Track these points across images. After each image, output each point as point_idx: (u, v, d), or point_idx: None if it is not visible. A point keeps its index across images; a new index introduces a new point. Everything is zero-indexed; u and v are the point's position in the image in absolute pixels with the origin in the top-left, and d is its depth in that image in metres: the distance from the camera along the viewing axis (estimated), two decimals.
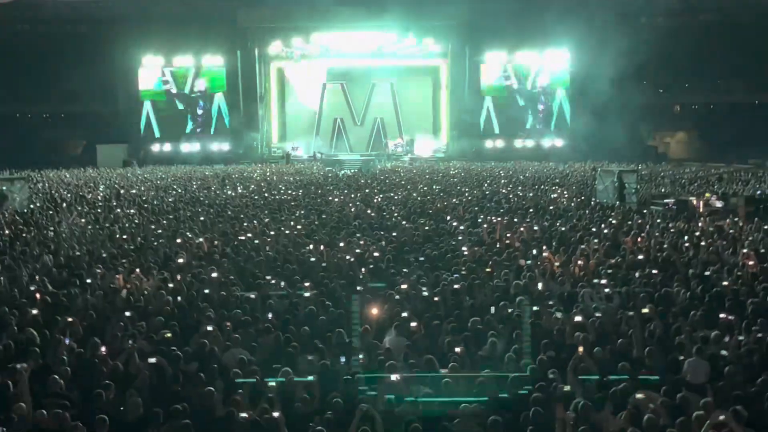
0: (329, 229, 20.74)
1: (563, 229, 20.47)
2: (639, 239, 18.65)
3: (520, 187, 33.03)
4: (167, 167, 51.61)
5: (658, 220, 21.91)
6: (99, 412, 9.05)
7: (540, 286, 14.11)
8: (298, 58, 61.46)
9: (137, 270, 15.46)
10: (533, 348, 10.94)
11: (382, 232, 19.89)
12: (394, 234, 19.86)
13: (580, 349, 10.25)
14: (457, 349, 10.78)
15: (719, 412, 8.43)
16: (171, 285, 14.47)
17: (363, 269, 15.65)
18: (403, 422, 9.02)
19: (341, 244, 18.17)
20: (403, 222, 21.85)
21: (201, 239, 19.10)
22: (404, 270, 15.52)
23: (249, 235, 19.64)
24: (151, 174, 44.69)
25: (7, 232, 20.71)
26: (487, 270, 15.45)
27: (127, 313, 12.48)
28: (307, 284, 14.21)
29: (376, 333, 11.90)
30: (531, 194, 29.80)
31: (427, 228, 20.84)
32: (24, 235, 20.04)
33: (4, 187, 26.77)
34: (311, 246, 18.04)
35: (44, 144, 62.22)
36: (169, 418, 8.96)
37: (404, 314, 12.33)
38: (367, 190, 32.07)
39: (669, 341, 11.27)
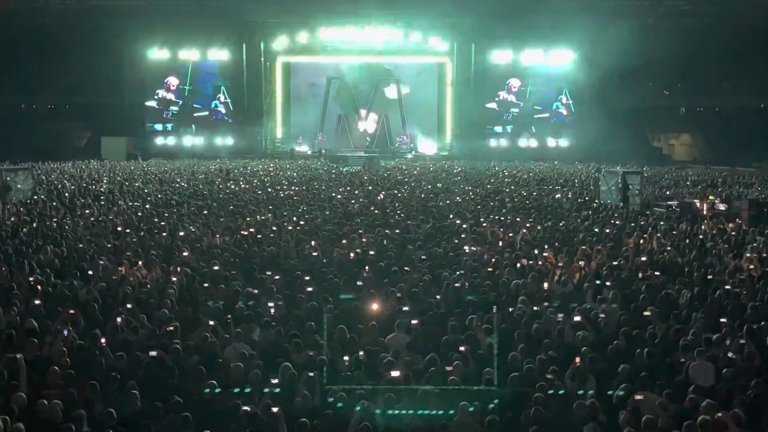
0: (333, 226, 20.73)
1: (566, 229, 20.46)
2: (642, 241, 18.62)
3: (523, 187, 33.01)
4: (171, 160, 51.66)
5: (662, 222, 21.87)
6: (98, 404, 9.06)
7: (545, 285, 14.11)
8: (304, 53, 61.47)
9: (140, 263, 15.48)
10: (533, 348, 10.96)
11: (386, 231, 19.82)
12: (397, 231, 19.84)
13: (577, 359, 10.25)
14: (461, 348, 10.78)
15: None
16: (173, 278, 14.49)
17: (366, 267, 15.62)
18: (403, 420, 9.04)
19: (344, 241, 18.16)
20: (408, 221, 21.81)
21: (203, 232, 19.13)
22: (406, 268, 15.51)
23: (251, 229, 19.65)
24: (155, 167, 44.73)
25: (9, 222, 20.75)
26: (489, 269, 15.45)
27: (129, 306, 12.49)
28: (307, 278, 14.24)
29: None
30: (534, 194, 29.77)
31: (429, 226, 20.83)
32: (26, 227, 20.06)
33: (8, 178, 26.80)
34: (313, 242, 18.02)
35: (49, 135, 62.14)
36: (169, 411, 8.97)
37: (405, 309, 12.34)
38: (370, 187, 32.06)
39: (670, 344, 11.26)
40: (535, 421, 8.89)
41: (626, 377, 9.98)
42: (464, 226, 20.57)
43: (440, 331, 11.81)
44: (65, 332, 11.24)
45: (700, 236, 19.46)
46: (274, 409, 8.89)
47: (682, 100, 66.00)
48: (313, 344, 11.16)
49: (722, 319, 11.91)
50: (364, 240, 18.34)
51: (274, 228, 20.15)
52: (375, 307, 12.37)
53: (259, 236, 18.80)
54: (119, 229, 19.82)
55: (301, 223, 21.24)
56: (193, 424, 8.78)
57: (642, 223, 21.71)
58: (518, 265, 15.82)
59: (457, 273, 14.96)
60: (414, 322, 11.89)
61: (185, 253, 16.52)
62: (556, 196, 29.08)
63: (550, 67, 61.51)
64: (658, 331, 11.70)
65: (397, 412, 9.19)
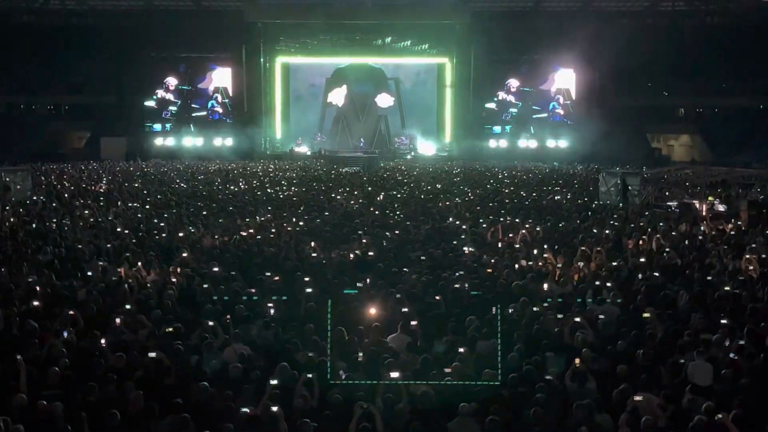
0: (332, 227, 20.72)
1: (565, 230, 20.45)
2: (641, 242, 18.62)
3: (523, 188, 33.00)
4: (170, 161, 51.65)
5: (661, 223, 21.87)
6: (97, 405, 9.06)
7: (545, 286, 14.10)
8: (304, 54, 61.54)
9: (139, 263, 15.47)
10: (533, 348, 10.96)
11: (387, 233, 19.80)
12: (397, 232, 19.83)
13: (577, 360, 10.25)
14: (461, 350, 10.77)
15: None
16: (173, 279, 14.48)
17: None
18: (403, 420, 9.04)
19: (342, 243, 18.15)
20: (408, 222, 21.80)
21: (203, 234, 19.12)
22: (405, 269, 15.49)
23: (251, 230, 19.64)
24: (155, 168, 44.73)
25: (8, 222, 20.74)
26: (488, 270, 15.44)
27: (128, 306, 12.48)
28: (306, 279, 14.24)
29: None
30: (534, 195, 29.76)
31: (428, 227, 20.82)
32: (25, 227, 20.05)
33: (7, 178, 26.81)
34: (313, 243, 18.01)
35: (48, 136, 62.24)
36: (169, 412, 8.97)
37: (405, 309, 12.33)
38: (370, 188, 32.06)
39: (669, 344, 11.26)
40: (535, 421, 8.89)
41: (626, 377, 9.98)
42: (464, 227, 20.57)
43: (440, 332, 11.81)
44: (65, 333, 11.24)
45: (700, 237, 19.46)
46: (274, 409, 8.88)
47: (682, 100, 65.97)
48: (313, 344, 11.16)
49: (722, 320, 11.90)
50: (363, 241, 18.33)
51: (273, 229, 20.15)
52: (373, 310, 12.35)
53: (258, 237, 18.80)
54: (118, 229, 19.80)
55: (301, 224, 21.24)
56: (193, 424, 8.78)
57: (641, 224, 21.71)
58: (517, 266, 15.82)
59: (457, 274, 14.94)
60: (413, 323, 11.89)
61: (185, 254, 16.52)
62: (556, 197, 29.08)
63: (549, 67, 61.58)
64: (658, 331, 11.70)
65: (396, 412, 9.20)
